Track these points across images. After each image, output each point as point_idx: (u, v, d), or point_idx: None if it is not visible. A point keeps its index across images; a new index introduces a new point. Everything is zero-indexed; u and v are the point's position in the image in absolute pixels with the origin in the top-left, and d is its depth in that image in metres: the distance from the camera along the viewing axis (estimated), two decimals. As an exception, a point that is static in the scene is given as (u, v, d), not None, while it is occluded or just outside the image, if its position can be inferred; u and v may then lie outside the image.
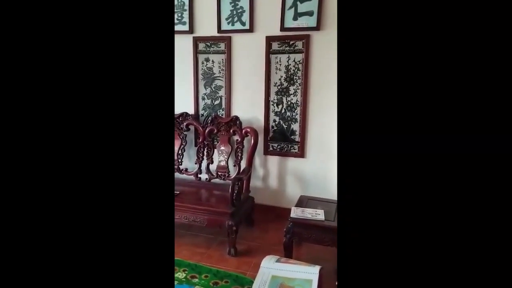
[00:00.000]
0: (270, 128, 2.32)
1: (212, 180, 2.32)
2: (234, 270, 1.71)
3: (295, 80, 2.21)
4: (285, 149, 2.31)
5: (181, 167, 2.40)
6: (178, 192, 2.12)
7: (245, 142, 2.27)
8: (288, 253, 1.71)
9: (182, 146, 2.40)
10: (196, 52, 2.37)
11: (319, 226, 1.64)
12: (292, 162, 2.32)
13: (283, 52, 2.19)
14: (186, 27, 2.34)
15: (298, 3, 2.08)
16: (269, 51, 2.20)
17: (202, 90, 2.43)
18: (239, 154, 2.26)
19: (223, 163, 2.30)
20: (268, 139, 2.34)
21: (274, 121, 2.31)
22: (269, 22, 2.16)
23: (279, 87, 2.25)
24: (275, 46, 2.19)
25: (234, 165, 2.28)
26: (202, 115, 2.46)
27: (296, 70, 2.19)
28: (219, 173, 2.30)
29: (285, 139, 2.30)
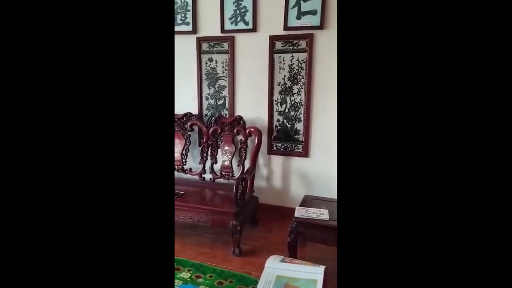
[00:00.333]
0: (274, 127, 2.32)
1: (216, 180, 2.32)
2: (238, 270, 1.71)
3: (298, 80, 2.20)
4: (289, 148, 2.31)
5: (185, 167, 2.41)
6: (182, 192, 2.13)
7: (249, 141, 2.27)
8: (292, 253, 1.71)
9: (186, 146, 2.41)
10: (200, 52, 2.37)
11: (323, 225, 1.63)
12: (296, 162, 2.31)
13: (286, 52, 2.18)
14: (189, 28, 2.34)
15: (302, 2, 2.07)
16: (272, 51, 2.20)
17: (206, 90, 2.43)
18: (243, 154, 2.26)
19: (227, 163, 2.30)
20: (272, 138, 2.33)
21: (278, 120, 2.30)
22: (272, 22, 2.16)
23: (282, 87, 2.24)
24: (278, 45, 2.19)
25: (238, 165, 2.28)
26: (206, 115, 2.47)
27: (299, 70, 2.18)
28: (223, 173, 2.30)
29: (289, 138, 2.29)
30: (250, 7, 2.17)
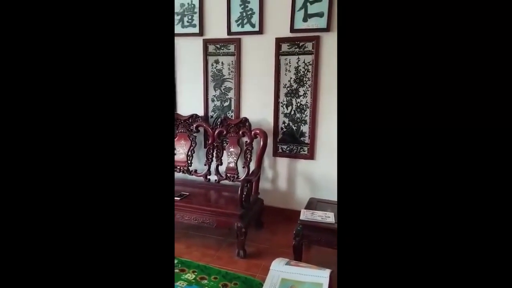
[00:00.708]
0: (279, 129, 2.31)
1: (221, 182, 2.32)
2: (243, 272, 1.71)
3: (304, 82, 2.19)
4: (295, 151, 2.30)
5: (190, 168, 2.42)
6: (187, 193, 2.14)
7: (254, 143, 2.27)
8: (297, 255, 1.70)
9: (191, 147, 2.42)
10: (206, 54, 2.39)
11: (329, 229, 1.62)
12: (302, 164, 2.31)
13: (292, 54, 2.18)
14: (196, 30, 2.36)
15: (308, 4, 2.07)
16: (278, 53, 2.20)
17: (212, 92, 2.44)
18: (248, 156, 2.26)
19: (232, 165, 2.30)
20: (278, 140, 2.33)
21: (284, 122, 2.30)
22: (279, 24, 2.16)
23: (288, 89, 2.24)
24: (284, 47, 2.19)
25: (243, 167, 2.28)
26: (212, 116, 2.48)
27: (305, 72, 2.18)
28: (228, 175, 2.30)
29: (294, 140, 2.29)
30: (256, 9, 2.18)
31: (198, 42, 2.38)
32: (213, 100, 2.45)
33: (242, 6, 2.21)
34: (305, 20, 2.10)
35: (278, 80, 2.24)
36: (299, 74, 2.20)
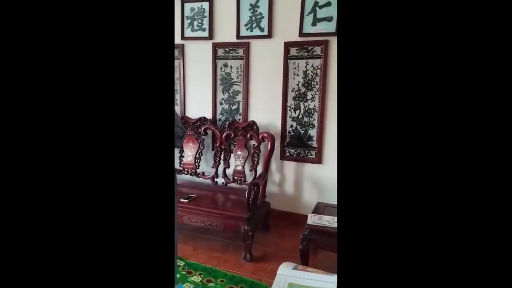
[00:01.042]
0: (287, 133, 2.31)
1: (228, 185, 2.33)
2: (249, 275, 1.71)
3: (313, 86, 2.19)
4: (302, 154, 2.30)
5: (198, 170, 2.43)
6: (195, 196, 2.15)
7: (261, 147, 2.27)
8: (304, 260, 1.69)
9: (199, 150, 2.43)
10: (215, 57, 2.41)
11: (336, 234, 1.61)
12: (309, 168, 2.30)
13: (301, 58, 2.19)
14: (206, 34, 2.38)
15: (317, 8, 2.07)
16: (287, 57, 2.21)
17: (220, 95, 2.46)
18: (256, 159, 2.27)
19: (239, 168, 2.31)
20: (285, 144, 2.33)
21: (291, 126, 2.30)
22: (287, 28, 2.17)
23: (296, 93, 2.24)
24: (293, 51, 2.19)
25: (251, 170, 2.28)
26: (220, 119, 2.49)
27: (314, 76, 2.18)
28: (235, 178, 2.31)
29: (302, 144, 2.28)
30: (266, 13, 2.19)
31: (208, 45, 2.40)
32: (221, 103, 2.47)
33: (252, 11, 2.23)
34: (314, 24, 2.10)
35: (286, 84, 2.25)
36: (307, 78, 2.20)
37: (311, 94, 2.21)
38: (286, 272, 1.22)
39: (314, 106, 2.21)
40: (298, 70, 2.21)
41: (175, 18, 2.46)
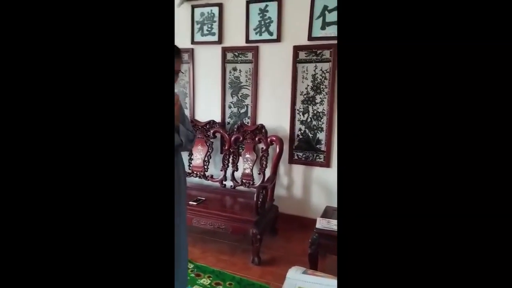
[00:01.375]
0: (296, 137, 2.31)
1: (237, 188, 2.34)
2: (257, 279, 1.71)
3: (321, 89, 2.19)
4: (311, 158, 2.29)
5: (206, 173, 2.45)
6: (203, 199, 2.16)
7: (270, 150, 2.28)
8: (313, 264, 1.68)
9: (208, 153, 2.45)
10: (224, 61, 2.43)
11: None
12: (318, 172, 2.29)
13: (310, 61, 2.19)
14: (215, 38, 2.41)
15: (327, 12, 2.08)
16: (296, 60, 2.21)
17: (229, 99, 2.48)
18: (264, 162, 2.27)
19: (248, 171, 2.32)
20: (293, 147, 2.33)
21: (300, 130, 2.30)
22: (296, 32, 2.18)
23: (305, 96, 2.24)
24: (302, 55, 2.20)
25: (259, 173, 2.29)
26: (229, 123, 2.51)
27: (323, 79, 2.18)
28: (243, 181, 2.32)
29: (310, 148, 2.28)
30: (275, 18, 2.21)
31: (217, 50, 2.43)
32: (230, 107, 2.49)
33: (261, 15, 2.25)
34: (323, 28, 2.10)
35: (295, 88, 2.25)
36: (316, 82, 2.20)
37: (320, 98, 2.21)
38: (295, 276, 1.21)
39: (323, 109, 2.21)
40: (307, 73, 2.21)
41: (186, 23, 2.49)
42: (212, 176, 2.44)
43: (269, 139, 2.25)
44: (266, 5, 2.22)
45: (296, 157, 2.34)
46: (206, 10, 2.41)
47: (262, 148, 2.29)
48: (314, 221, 1.74)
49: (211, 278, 1.71)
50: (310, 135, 2.27)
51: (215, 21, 2.40)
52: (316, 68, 2.18)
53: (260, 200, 1.90)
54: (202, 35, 2.46)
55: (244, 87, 2.42)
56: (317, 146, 2.26)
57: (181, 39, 2.49)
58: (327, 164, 2.24)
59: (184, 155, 1.43)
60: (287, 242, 2.13)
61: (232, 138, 2.36)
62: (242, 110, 2.45)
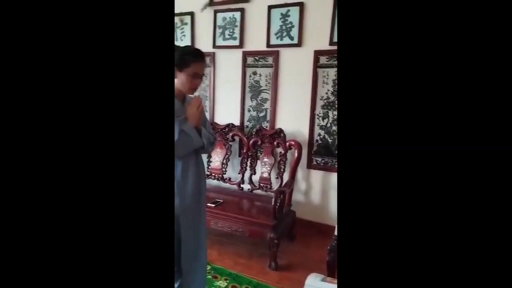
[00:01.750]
0: (315, 141, 2.30)
1: (254, 191, 2.34)
2: (274, 284, 1.70)
3: (342, 94, 2.17)
4: (330, 163, 2.26)
5: (224, 176, 2.47)
6: (221, 201, 2.18)
7: (288, 154, 2.27)
8: (331, 272, 1.65)
9: (226, 156, 2.47)
10: (245, 65, 2.45)
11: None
12: (336, 178, 2.25)
13: (331, 66, 2.17)
14: (236, 42, 2.44)
15: (349, 17, 2.06)
16: (316, 65, 2.20)
17: (248, 102, 2.49)
18: (282, 167, 2.26)
19: (265, 175, 2.32)
20: (312, 153, 2.31)
21: (319, 135, 2.28)
22: (318, 37, 2.17)
23: (325, 101, 2.23)
24: (323, 60, 2.19)
25: (277, 177, 2.28)
26: (247, 126, 2.52)
27: (344, 84, 2.15)
28: (261, 185, 2.32)
29: (329, 153, 2.25)
30: (296, 22, 2.21)
31: (238, 54, 2.46)
32: (249, 110, 2.50)
33: (282, 20, 2.26)
34: (345, 33, 2.08)
35: (315, 92, 2.24)
36: (336, 87, 2.18)
37: (341, 103, 2.18)
38: (314, 283, 1.20)
39: (343, 115, 2.18)
40: (328, 78, 2.19)
41: (208, 28, 2.54)
42: (230, 179, 2.46)
43: (287, 144, 2.24)
44: (288, 10, 2.23)
45: (314, 162, 2.32)
46: (228, 15, 2.45)
47: (281, 152, 2.29)
48: (333, 227, 1.72)
49: (227, 281, 1.71)
50: (330, 140, 2.25)
51: (236, 26, 2.43)
52: (337, 73, 2.16)
53: (278, 204, 1.90)
54: (224, 39, 2.49)
55: (264, 91, 2.43)
56: (337, 151, 2.23)
57: (203, 44, 2.54)
58: (346, 170, 2.20)
59: (203, 157, 1.45)
60: (305, 248, 2.10)
61: (251, 142, 2.37)
62: (261, 114, 2.46)
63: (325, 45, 2.15)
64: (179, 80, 1.24)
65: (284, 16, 2.25)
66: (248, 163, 2.39)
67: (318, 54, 2.19)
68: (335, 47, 2.13)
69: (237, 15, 2.41)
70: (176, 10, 2.64)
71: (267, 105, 2.43)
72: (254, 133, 2.40)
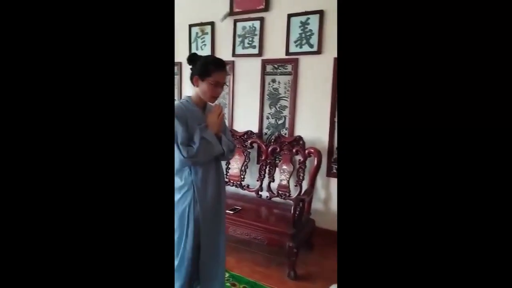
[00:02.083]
0: (335, 149, 2.26)
1: (273, 199, 2.33)
2: (293, 294, 1.67)
3: (363, 102, 2.13)
4: (350, 172, 2.21)
5: (243, 183, 2.47)
6: (240, 208, 2.18)
7: (307, 162, 2.24)
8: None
9: (245, 162, 2.48)
10: (264, 73, 2.47)
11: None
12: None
13: (351, 73, 2.15)
14: (255, 51, 2.47)
15: (370, 24, 2.04)
16: (336, 72, 2.18)
17: (267, 110, 2.50)
18: (301, 175, 2.24)
19: (284, 182, 2.30)
20: (332, 160, 2.27)
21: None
22: (338, 44, 2.16)
23: (345, 108, 2.19)
24: (343, 67, 2.17)
25: (295, 185, 2.26)
26: (266, 133, 2.53)
27: (364, 91, 2.12)
28: (279, 192, 2.30)
29: (350, 161, 2.21)
30: (316, 30, 2.21)
31: (257, 62, 2.48)
32: (267, 118, 2.51)
33: (302, 28, 2.27)
34: (366, 39, 2.06)
35: (334, 99, 2.21)
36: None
37: (361, 110, 2.14)
38: (335, 295, 1.17)
39: (364, 122, 2.14)
40: (348, 85, 2.17)
41: (227, 37, 2.59)
42: (248, 186, 2.46)
43: (307, 151, 2.23)
44: (308, 18, 2.23)
45: (334, 171, 2.28)
46: (248, 24, 2.49)
47: (300, 160, 2.27)
48: (354, 238, 1.67)
49: (246, 289, 1.70)
50: (350, 148, 2.21)
51: (256, 34, 2.46)
52: (358, 80, 2.13)
53: (297, 213, 1.87)
54: (243, 48, 2.53)
55: (283, 98, 2.43)
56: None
57: (223, 52, 2.59)
58: (367, 178, 2.15)
59: (223, 164, 1.46)
60: (324, 258, 2.06)
61: (269, 149, 2.37)
62: (280, 121, 2.46)
63: (345, 52, 2.13)
64: (201, 89, 1.27)
65: (304, 24, 2.26)
66: (267, 170, 2.39)
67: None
68: (355, 54, 2.11)
69: (257, 24, 2.44)
70: (197, 20, 2.72)
71: (286, 112, 2.43)
72: (272, 140, 2.40)
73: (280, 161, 2.37)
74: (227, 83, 2.62)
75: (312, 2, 2.20)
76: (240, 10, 2.50)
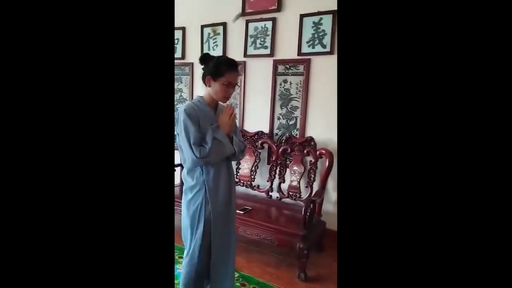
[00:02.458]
0: (346, 151, 2.23)
1: (283, 199, 2.32)
2: (303, 296, 1.65)
3: (376, 102, 2.10)
4: (362, 174, 2.18)
5: (253, 183, 2.47)
6: (250, 208, 2.18)
7: (318, 163, 2.22)
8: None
9: (256, 163, 2.48)
10: (275, 74, 2.47)
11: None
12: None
13: (364, 74, 2.12)
14: (267, 51, 2.46)
15: (384, 23, 2.00)
16: (349, 73, 2.16)
17: (278, 110, 2.50)
18: (312, 176, 2.23)
19: (295, 183, 2.29)
20: (343, 162, 2.25)
21: (351, 144, 2.21)
22: (351, 44, 2.13)
23: (358, 109, 2.17)
24: (356, 67, 2.14)
25: (306, 186, 2.24)
26: (277, 134, 2.52)
27: (378, 92, 2.09)
28: (290, 193, 2.29)
29: (362, 163, 2.18)
30: (329, 30, 2.19)
31: (269, 62, 2.48)
32: (279, 118, 2.50)
33: (314, 28, 2.25)
34: (379, 39, 2.03)
35: (347, 100, 2.19)
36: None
37: (374, 111, 2.11)
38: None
39: (377, 123, 2.11)
40: (361, 86, 2.14)
41: (240, 37, 2.60)
42: (258, 186, 2.46)
43: (318, 152, 2.21)
44: (321, 18, 2.22)
45: (346, 172, 2.25)
46: (260, 24, 2.49)
47: (311, 161, 2.25)
48: (366, 241, 1.65)
49: (256, 290, 1.70)
50: (362, 149, 2.18)
51: (268, 35, 2.46)
52: (371, 80, 2.10)
53: (308, 214, 1.86)
54: (255, 48, 2.53)
55: (294, 99, 2.42)
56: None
57: (234, 53, 2.59)
58: (380, 181, 2.12)
59: (233, 164, 1.47)
60: (334, 260, 2.03)
61: (280, 150, 2.36)
62: (291, 122, 2.45)
63: (358, 52, 2.11)
64: (213, 89, 1.28)
65: (317, 24, 2.24)
66: (277, 171, 2.38)
67: (350, 61, 2.14)
68: (368, 54, 2.08)
69: (269, 24, 2.44)
70: (209, 21, 2.73)
71: (297, 113, 2.41)
72: (283, 141, 2.39)
73: (291, 162, 2.36)
74: (239, 84, 2.63)
75: (325, 2, 2.19)
76: (252, 10, 2.50)
